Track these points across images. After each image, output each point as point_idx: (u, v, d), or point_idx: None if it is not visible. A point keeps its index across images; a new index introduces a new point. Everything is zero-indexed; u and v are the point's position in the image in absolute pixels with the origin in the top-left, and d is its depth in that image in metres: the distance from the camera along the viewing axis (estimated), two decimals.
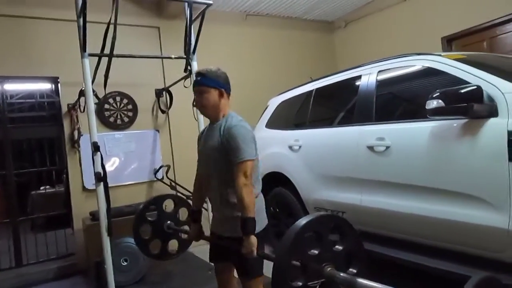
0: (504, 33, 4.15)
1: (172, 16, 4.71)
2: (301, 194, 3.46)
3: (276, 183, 3.73)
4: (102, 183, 3.16)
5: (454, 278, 2.14)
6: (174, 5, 4.49)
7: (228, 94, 2.04)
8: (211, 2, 3.35)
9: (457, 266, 2.20)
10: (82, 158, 4.17)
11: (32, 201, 6.70)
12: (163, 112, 4.64)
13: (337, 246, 1.49)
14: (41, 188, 7.14)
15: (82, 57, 3.15)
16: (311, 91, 3.65)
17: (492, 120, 2.04)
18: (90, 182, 4.16)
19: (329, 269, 1.41)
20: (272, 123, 4.11)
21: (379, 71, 2.89)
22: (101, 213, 3.17)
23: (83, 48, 3.13)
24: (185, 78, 3.77)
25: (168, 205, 2.77)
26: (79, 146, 4.12)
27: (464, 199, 2.15)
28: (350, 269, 1.48)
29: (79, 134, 4.10)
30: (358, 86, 3.03)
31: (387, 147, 2.58)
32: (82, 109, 3.54)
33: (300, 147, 3.49)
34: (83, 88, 3.37)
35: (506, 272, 1.97)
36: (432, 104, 2.14)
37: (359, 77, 3.07)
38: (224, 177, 1.94)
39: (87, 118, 3.18)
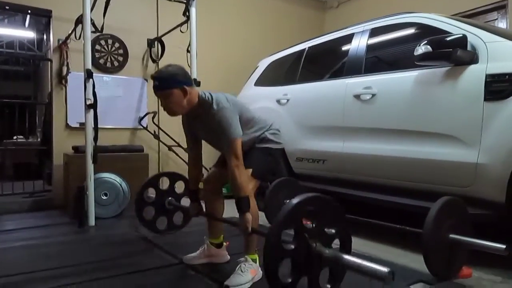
0: (487, 22, 4.40)
1: None
2: (284, 146, 3.58)
3: None
4: (91, 110, 3.21)
5: (421, 212, 2.32)
6: None
7: (190, 85, 1.97)
8: None
9: (425, 202, 2.39)
10: (68, 95, 4.14)
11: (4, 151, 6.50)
12: (153, 61, 4.66)
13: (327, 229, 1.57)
14: (14, 137, 7.00)
15: None
16: (303, 49, 3.78)
17: (472, 66, 2.23)
18: (74, 120, 4.15)
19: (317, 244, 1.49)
20: (261, 81, 4.21)
21: (372, 29, 3.05)
22: (88, 140, 3.21)
23: None
24: (182, 23, 3.82)
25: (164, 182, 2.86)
26: (66, 82, 4.10)
27: (441, 139, 2.33)
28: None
29: (68, 71, 4.08)
30: (350, 43, 3.18)
31: (373, 95, 2.75)
32: (77, 37, 3.52)
33: (288, 100, 3.61)
34: (79, 17, 3.39)
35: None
36: (420, 49, 2.33)
37: (351, 35, 3.22)
38: None
39: (83, 44, 3.18)
